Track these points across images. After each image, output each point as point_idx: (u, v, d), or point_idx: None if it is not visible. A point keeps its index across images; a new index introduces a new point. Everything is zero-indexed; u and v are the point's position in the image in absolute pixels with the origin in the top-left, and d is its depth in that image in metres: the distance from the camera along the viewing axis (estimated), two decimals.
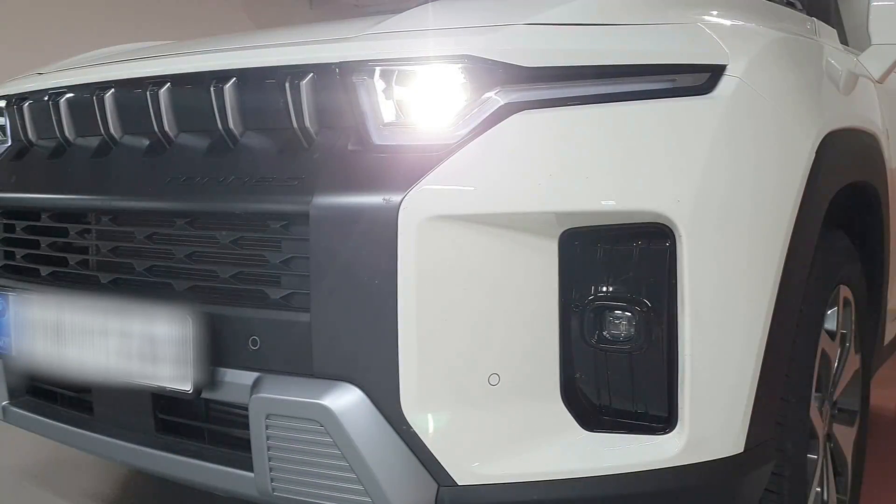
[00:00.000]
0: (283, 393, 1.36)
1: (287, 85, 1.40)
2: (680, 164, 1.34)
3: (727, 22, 1.58)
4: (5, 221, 1.86)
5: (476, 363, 1.31)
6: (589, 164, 1.32)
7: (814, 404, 1.71)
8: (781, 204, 1.46)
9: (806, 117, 1.58)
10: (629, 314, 1.36)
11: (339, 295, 1.31)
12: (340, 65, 1.37)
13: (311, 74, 1.40)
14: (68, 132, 1.74)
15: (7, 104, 1.89)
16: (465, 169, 1.30)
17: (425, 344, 1.28)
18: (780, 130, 1.50)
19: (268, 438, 1.37)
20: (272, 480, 1.39)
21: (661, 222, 1.32)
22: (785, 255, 1.44)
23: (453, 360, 1.30)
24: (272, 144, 1.45)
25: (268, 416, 1.37)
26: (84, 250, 1.72)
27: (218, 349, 1.44)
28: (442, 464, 1.32)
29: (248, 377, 1.41)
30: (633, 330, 1.35)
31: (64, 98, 1.73)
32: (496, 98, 1.32)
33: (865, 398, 2.12)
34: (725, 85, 1.40)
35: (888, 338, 2.47)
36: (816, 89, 1.71)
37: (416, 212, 1.27)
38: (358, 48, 1.39)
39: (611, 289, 1.36)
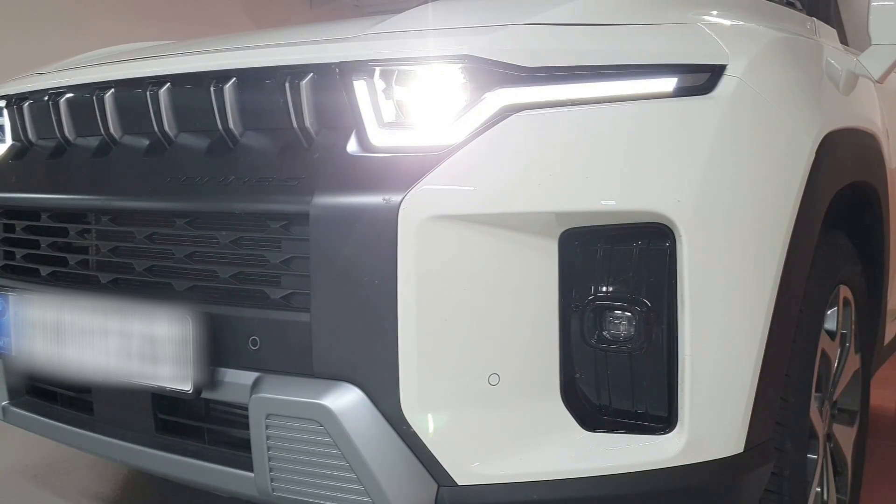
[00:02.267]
0: (283, 393, 1.36)
1: (287, 85, 1.40)
2: (680, 164, 1.34)
3: (727, 22, 1.58)
4: (5, 221, 1.86)
5: (476, 363, 1.31)
6: (589, 164, 1.32)
7: (814, 404, 1.71)
8: (781, 204, 1.46)
9: (806, 117, 1.58)
10: (629, 314, 1.36)
11: (339, 295, 1.31)
12: (340, 65, 1.37)
13: (311, 74, 1.40)
14: (68, 132, 1.74)
15: (7, 104, 1.89)
16: (465, 169, 1.30)
17: (425, 344, 1.28)
18: (780, 130, 1.50)
19: (268, 438, 1.37)
20: (272, 480, 1.39)
21: (661, 222, 1.32)
22: (785, 255, 1.44)
23: (453, 359, 1.30)
24: (272, 144, 1.45)
25: (268, 416, 1.37)
26: (84, 250, 1.72)
27: (218, 349, 1.44)
28: (442, 464, 1.32)
29: (247, 377, 1.41)
30: (632, 330, 1.35)
31: (64, 98, 1.73)
32: (496, 98, 1.31)
33: (865, 398, 2.12)
34: (725, 85, 1.40)
35: (888, 338, 2.47)
36: (816, 89, 1.71)
37: (416, 212, 1.27)
38: (358, 48, 1.39)
39: (611, 289, 1.36)
